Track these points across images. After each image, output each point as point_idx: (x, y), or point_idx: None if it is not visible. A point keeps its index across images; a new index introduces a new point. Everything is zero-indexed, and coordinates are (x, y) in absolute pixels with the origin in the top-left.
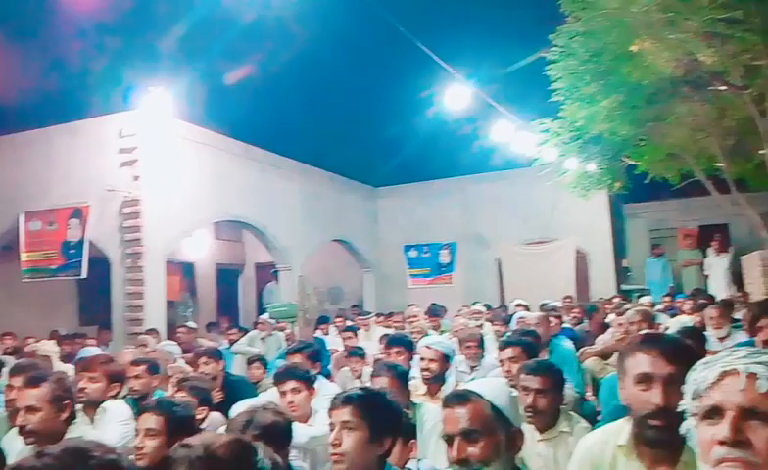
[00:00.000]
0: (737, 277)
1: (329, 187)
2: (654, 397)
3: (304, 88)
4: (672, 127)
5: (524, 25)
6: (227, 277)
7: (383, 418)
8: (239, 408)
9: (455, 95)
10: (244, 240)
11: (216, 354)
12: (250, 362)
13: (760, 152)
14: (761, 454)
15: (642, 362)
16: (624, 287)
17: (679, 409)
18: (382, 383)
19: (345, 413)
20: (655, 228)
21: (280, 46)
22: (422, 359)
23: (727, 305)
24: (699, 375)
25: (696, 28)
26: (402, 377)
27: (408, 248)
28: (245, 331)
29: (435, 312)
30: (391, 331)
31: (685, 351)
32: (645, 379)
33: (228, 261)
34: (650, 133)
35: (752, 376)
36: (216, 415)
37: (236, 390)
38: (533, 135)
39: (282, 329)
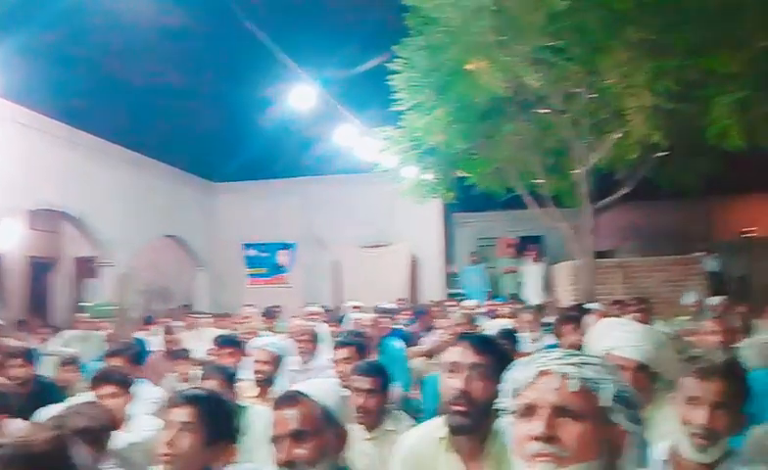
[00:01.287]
0: (549, 284)
1: (163, 180)
2: (458, 383)
3: (139, 74)
4: (500, 144)
5: (372, 32)
6: (41, 271)
7: (221, 422)
8: (45, 414)
9: (300, 95)
10: (63, 231)
11: (26, 355)
12: (63, 364)
13: (574, 171)
14: (569, 449)
15: (452, 354)
16: (451, 291)
17: (496, 406)
18: (212, 385)
19: (184, 413)
20: (481, 237)
21: (114, 28)
22: (255, 361)
23: (538, 310)
24: (518, 374)
25: (525, 53)
26: (230, 379)
27: (246, 246)
28: (58, 330)
29: (270, 313)
30: (225, 332)
31: (490, 345)
32: (453, 368)
33: (43, 254)
34: (481, 148)
35: (565, 376)
36: (16, 423)
37: (45, 394)
38: (375, 141)
39: (102, 329)
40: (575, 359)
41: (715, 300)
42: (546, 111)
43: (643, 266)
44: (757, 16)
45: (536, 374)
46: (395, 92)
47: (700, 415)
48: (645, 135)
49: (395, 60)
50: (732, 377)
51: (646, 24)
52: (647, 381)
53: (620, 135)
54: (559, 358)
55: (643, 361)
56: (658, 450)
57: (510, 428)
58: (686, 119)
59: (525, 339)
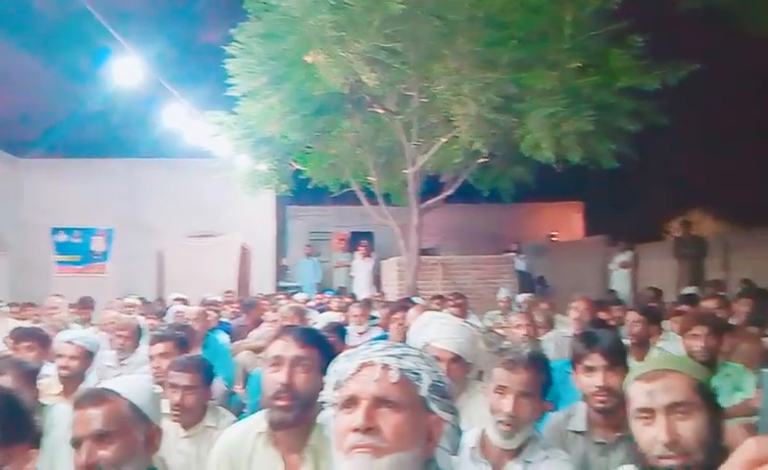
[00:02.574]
0: (377, 279)
1: None
2: (280, 376)
3: None
4: (335, 139)
5: (208, 11)
6: None
7: (15, 422)
8: None
9: (124, 69)
10: None
11: None
12: None
13: (404, 171)
14: (388, 439)
15: (275, 347)
16: (282, 284)
17: (319, 399)
18: (6, 381)
19: None
20: (314, 231)
21: None
22: (60, 356)
23: (367, 304)
24: (341, 367)
25: (362, 52)
26: (30, 375)
27: (55, 231)
28: None
29: (84, 304)
30: (27, 323)
31: (314, 338)
32: (276, 362)
33: None
34: (317, 141)
35: (386, 367)
36: None
37: None
38: (206, 126)
39: None
40: (396, 351)
41: (522, 296)
42: (380, 111)
43: (461, 264)
44: (569, 39)
45: (358, 366)
46: (230, 77)
47: (507, 403)
48: (468, 142)
49: (232, 43)
50: (535, 368)
51: (474, 38)
52: (461, 371)
53: (447, 140)
54: (381, 350)
55: (457, 353)
56: (468, 437)
57: (332, 420)
58: (505, 130)
59: (353, 332)
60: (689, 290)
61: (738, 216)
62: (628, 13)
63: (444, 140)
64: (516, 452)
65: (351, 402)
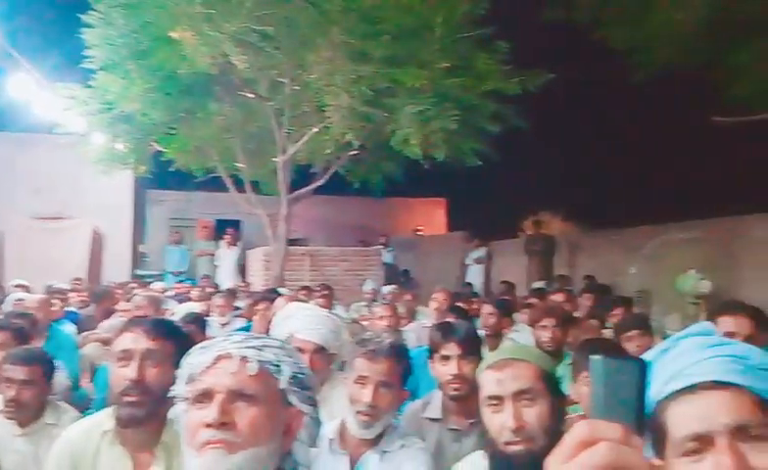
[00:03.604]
0: (243, 269)
1: None
2: (129, 372)
3: None
4: (202, 122)
5: None
6: None
7: None
8: None
9: None
10: None
11: None
12: None
13: (274, 160)
14: (242, 434)
15: (124, 340)
16: (139, 272)
17: (171, 394)
18: None
19: None
20: (177, 217)
21: None
22: None
23: (231, 294)
24: (195, 360)
25: (233, 32)
26: None
27: None
28: None
29: None
30: None
31: (167, 330)
32: (124, 356)
33: None
34: (181, 123)
35: (244, 359)
36: None
37: None
38: (58, 99)
39: None
40: (255, 343)
41: (387, 288)
42: (251, 95)
43: (329, 256)
44: (439, 40)
45: (214, 358)
46: (87, 48)
47: (367, 393)
48: (340, 133)
49: (90, 12)
50: (396, 357)
51: (349, 29)
52: (324, 362)
53: (319, 130)
54: (239, 342)
55: (321, 344)
56: (328, 429)
57: (184, 416)
58: (376, 124)
59: (215, 323)
60: (538, 284)
61: (583, 218)
62: (495, 19)
63: (315, 130)
64: (374, 442)
65: (205, 396)
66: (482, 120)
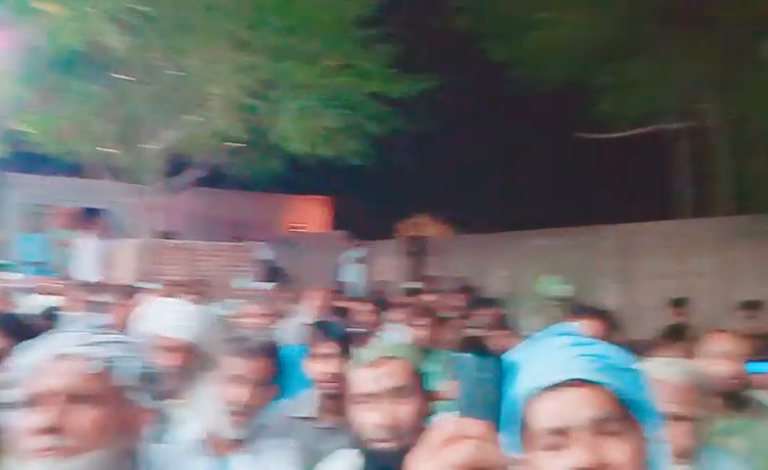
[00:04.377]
0: (108, 261)
1: None
2: None
3: None
4: (68, 102)
5: None
6: None
7: None
8: None
9: None
10: None
11: None
12: None
13: (148, 147)
14: (79, 438)
15: None
16: None
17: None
18: None
19: None
20: (36, 202)
21: None
22: None
23: (90, 288)
24: (27, 360)
25: (108, 10)
26: None
27: None
28: None
29: None
30: None
31: (13, 325)
32: None
33: None
34: (44, 102)
35: (83, 358)
36: None
37: None
38: None
39: None
40: (94, 340)
41: (264, 285)
42: (125, 78)
43: (205, 250)
44: (327, 37)
45: (50, 358)
46: None
47: (240, 393)
48: (222, 124)
49: None
50: (268, 356)
51: (234, 18)
52: (194, 361)
53: (200, 119)
54: (79, 340)
55: (191, 341)
56: (195, 429)
57: (15, 422)
58: (259, 117)
59: (72, 318)
60: (412, 285)
61: (455, 222)
62: (383, 22)
63: (195, 119)
64: (243, 443)
65: (38, 400)
66: (366, 121)
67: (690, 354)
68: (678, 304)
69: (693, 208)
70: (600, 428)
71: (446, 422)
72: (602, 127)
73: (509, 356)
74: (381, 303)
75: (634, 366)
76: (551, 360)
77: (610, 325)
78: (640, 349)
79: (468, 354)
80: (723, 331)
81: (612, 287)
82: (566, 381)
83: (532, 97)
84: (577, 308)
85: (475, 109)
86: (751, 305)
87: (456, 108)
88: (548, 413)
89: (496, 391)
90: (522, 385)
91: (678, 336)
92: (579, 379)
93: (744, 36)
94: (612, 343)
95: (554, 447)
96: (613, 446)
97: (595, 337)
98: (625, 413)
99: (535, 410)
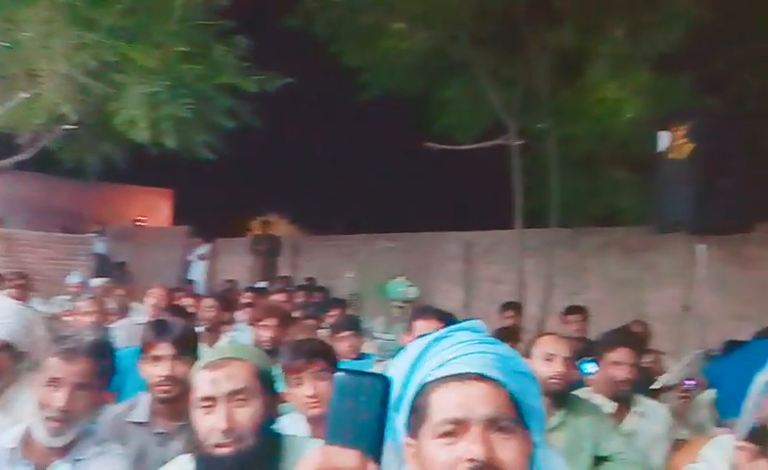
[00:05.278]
0: None
1: None
2: None
3: None
4: None
5: None
6: None
7: None
8: None
9: None
10: None
11: None
12: None
13: None
14: None
15: None
16: None
17: None
18: None
19: None
20: None
21: None
22: None
23: None
24: None
25: None
26: None
27: None
28: None
29: None
30: None
31: None
32: None
33: None
34: None
35: None
36: None
37: None
38: None
39: None
40: None
41: (97, 281)
42: None
43: (29, 241)
44: (177, 23)
45: None
46: None
47: (59, 397)
48: (53, 103)
49: None
50: (97, 357)
51: None
52: (11, 361)
53: (29, 96)
54: None
55: (7, 340)
56: (8, 437)
57: None
58: (98, 99)
59: None
60: (260, 284)
61: (306, 223)
62: (238, 15)
63: (25, 95)
64: (65, 450)
65: None
66: (217, 114)
67: (522, 356)
68: (509, 307)
69: (527, 219)
70: (495, 425)
71: (315, 453)
72: (447, 139)
73: (413, 347)
74: (224, 297)
75: (529, 371)
76: (459, 352)
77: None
78: None
79: (346, 373)
80: (548, 334)
81: (454, 290)
82: (471, 374)
83: (384, 105)
84: (417, 310)
85: (329, 112)
86: (574, 310)
87: (310, 109)
88: (449, 402)
89: (373, 414)
90: (426, 370)
91: (509, 338)
92: (480, 374)
93: (571, 62)
94: None
95: (449, 436)
96: (504, 444)
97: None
98: (517, 415)
99: (436, 397)
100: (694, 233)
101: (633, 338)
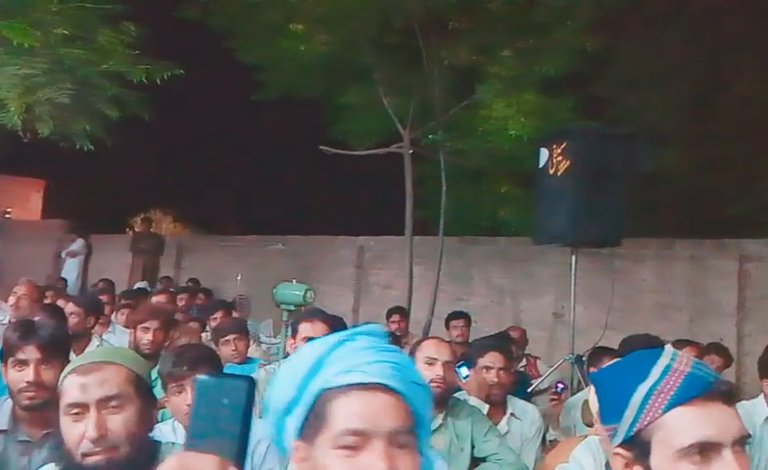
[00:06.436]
0: None
1: None
2: None
3: None
4: None
5: None
6: None
7: None
8: None
9: None
10: None
11: None
12: None
13: None
14: None
15: None
16: None
17: None
18: None
19: None
20: None
21: None
22: None
23: None
24: None
25: None
26: None
27: None
28: None
29: None
30: None
31: None
32: None
33: None
34: None
35: None
36: None
37: None
38: None
39: None
40: None
41: None
42: None
43: None
44: (59, 2)
45: None
46: None
47: None
48: None
49: None
50: None
51: None
52: None
53: None
54: None
55: None
56: None
57: None
58: None
59: None
60: (140, 284)
61: (192, 221)
62: (133, 2)
63: None
64: None
65: None
66: (100, 102)
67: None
68: (395, 312)
69: (419, 227)
70: (397, 439)
71: (172, 460)
72: (345, 144)
73: (317, 345)
74: (91, 302)
75: (423, 382)
76: (363, 359)
77: (334, 328)
78: None
79: (207, 376)
80: (430, 338)
81: (345, 295)
82: (375, 384)
83: (281, 105)
84: (306, 313)
85: (223, 108)
86: (457, 316)
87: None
88: (350, 414)
89: (237, 416)
90: (328, 375)
91: (393, 343)
92: (384, 385)
93: (464, 78)
94: None
95: (350, 449)
96: (404, 459)
97: None
98: (413, 427)
99: (337, 405)
100: (569, 245)
101: (504, 343)
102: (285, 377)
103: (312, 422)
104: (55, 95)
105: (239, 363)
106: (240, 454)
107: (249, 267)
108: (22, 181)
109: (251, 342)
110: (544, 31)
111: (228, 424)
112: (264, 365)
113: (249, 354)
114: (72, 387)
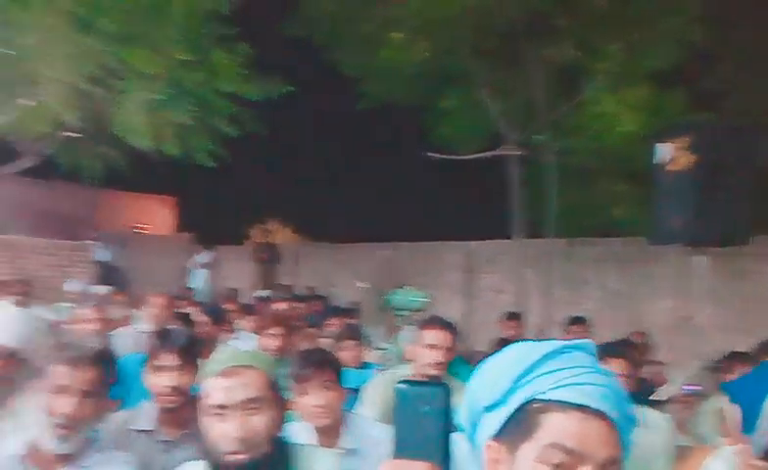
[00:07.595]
0: None
1: None
2: None
3: None
4: None
5: None
6: None
7: None
8: None
9: None
10: None
11: None
12: None
13: None
14: None
15: None
16: None
17: None
18: None
19: None
20: None
21: None
22: None
23: None
24: None
25: None
26: None
27: None
28: None
29: None
30: None
31: None
32: None
33: None
34: None
35: None
36: None
37: None
38: None
39: None
40: None
41: (99, 288)
42: None
43: (31, 247)
44: (178, 29)
45: None
46: None
47: (66, 404)
48: (57, 111)
49: None
50: (101, 365)
51: None
52: (16, 368)
53: (32, 103)
54: None
55: (12, 347)
56: (17, 444)
57: None
58: (100, 106)
59: None
60: (263, 292)
61: (305, 230)
62: (240, 23)
63: (25, 102)
64: (71, 457)
65: None
66: (219, 121)
67: None
68: (512, 317)
69: (526, 229)
70: (607, 468)
71: (384, 468)
72: (448, 149)
73: (532, 350)
74: (215, 311)
75: (633, 411)
76: (571, 376)
77: (455, 335)
78: (478, 359)
79: (407, 385)
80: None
81: (455, 300)
82: (590, 408)
83: (384, 113)
84: (425, 320)
85: (329, 119)
86: (576, 321)
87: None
88: (566, 432)
89: (438, 424)
90: (541, 385)
91: None
92: (602, 412)
93: (569, 76)
94: (457, 353)
95: (555, 466)
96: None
97: (443, 347)
98: (621, 458)
99: (546, 419)
100: (690, 245)
101: (627, 349)
102: (491, 375)
103: (515, 428)
104: (178, 117)
105: (355, 368)
106: (447, 459)
107: (359, 274)
108: (153, 198)
109: (367, 347)
110: (649, 24)
111: (431, 430)
112: (381, 370)
113: (364, 359)
114: (217, 389)
